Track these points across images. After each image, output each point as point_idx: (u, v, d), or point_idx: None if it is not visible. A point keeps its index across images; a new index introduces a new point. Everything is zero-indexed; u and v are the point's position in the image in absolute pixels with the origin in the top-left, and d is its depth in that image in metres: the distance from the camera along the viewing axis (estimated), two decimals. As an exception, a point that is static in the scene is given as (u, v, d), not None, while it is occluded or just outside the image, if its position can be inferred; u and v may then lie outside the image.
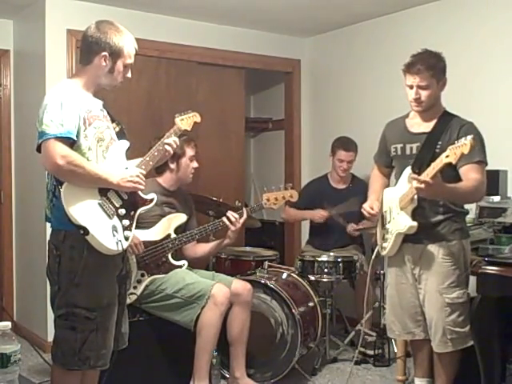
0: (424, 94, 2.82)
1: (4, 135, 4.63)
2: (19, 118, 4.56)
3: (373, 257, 3.15)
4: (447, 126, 2.84)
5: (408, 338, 3.10)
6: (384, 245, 2.99)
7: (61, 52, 4.08)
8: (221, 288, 3.19)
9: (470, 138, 2.44)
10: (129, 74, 2.48)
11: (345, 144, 4.27)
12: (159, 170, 3.40)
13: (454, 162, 2.51)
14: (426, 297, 2.89)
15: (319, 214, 4.23)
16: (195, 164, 3.48)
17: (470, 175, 2.74)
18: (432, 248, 2.86)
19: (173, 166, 3.41)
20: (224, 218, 3.36)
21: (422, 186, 2.55)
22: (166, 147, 2.59)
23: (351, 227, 4.18)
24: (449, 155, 2.49)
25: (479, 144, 2.73)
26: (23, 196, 4.57)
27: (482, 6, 3.95)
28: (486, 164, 2.82)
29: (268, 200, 3.37)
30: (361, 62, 4.78)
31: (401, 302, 3.01)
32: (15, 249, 4.69)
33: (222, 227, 3.39)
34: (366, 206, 3.02)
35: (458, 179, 2.76)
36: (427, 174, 2.58)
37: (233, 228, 3.35)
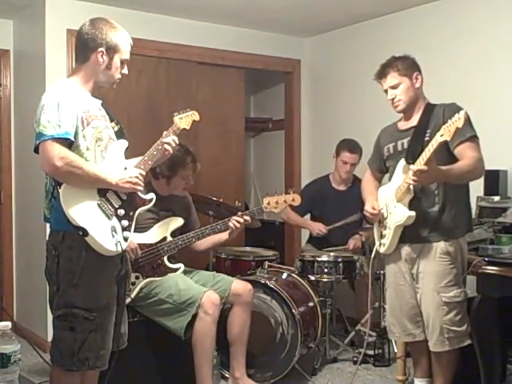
0: (397, 92, 2.89)
1: (4, 135, 4.63)
2: (19, 118, 4.56)
3: (372, 256, 3.14)
4: (431, 114, 2.87)
5: (408, 340, 3.09)
6: (383, 241, 3.00)
7: (61, 52, 4.08)
8: (209, 296, 3.14)
9: (462, 112, 2.44)
10: (125, 71, 2.46)
11: (350, 146, 4.26)
12: (154, 174, 3.38)
13: (449, 139, 2.50)
14: (422, 296, 2.90)
15: (318, 229, 4.24)
16: (191, 181, 3.44)
17: (466, 154, 2.73)
18: (430, 247, 2.86)
19: (163, 180, 3.38)
20: (230, 223, 3.34)
21: (416, 178, 2.58)
22: (166, 146, 2.57)
23: (353, 245, 4.19)
24: (443, 134, 2.49)
25: (467, 120, 2.66)
26: (23, 196, 4.56)
27: (482, 6, 3.95)
28: (478, 138, 2.80)
29: (268, 204, 3.32)
30: (361, 61, 4.77)
31: (400, 304, 3.01)
32: (15, 249, 4.69)
33: (219, 230, 3.39)
34: (367, 207, 3.02)
35: (454, 162, 2.74)
36: (422, 159, 2.58)
37: (236, 231, 3.38)
